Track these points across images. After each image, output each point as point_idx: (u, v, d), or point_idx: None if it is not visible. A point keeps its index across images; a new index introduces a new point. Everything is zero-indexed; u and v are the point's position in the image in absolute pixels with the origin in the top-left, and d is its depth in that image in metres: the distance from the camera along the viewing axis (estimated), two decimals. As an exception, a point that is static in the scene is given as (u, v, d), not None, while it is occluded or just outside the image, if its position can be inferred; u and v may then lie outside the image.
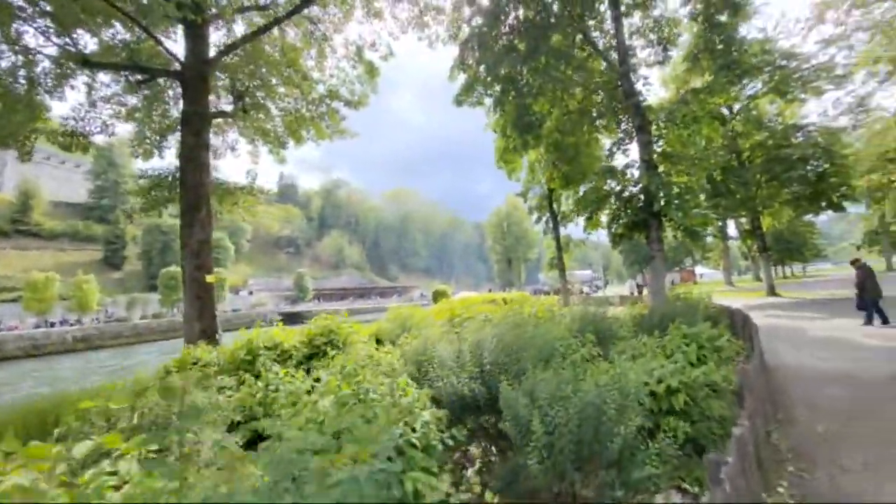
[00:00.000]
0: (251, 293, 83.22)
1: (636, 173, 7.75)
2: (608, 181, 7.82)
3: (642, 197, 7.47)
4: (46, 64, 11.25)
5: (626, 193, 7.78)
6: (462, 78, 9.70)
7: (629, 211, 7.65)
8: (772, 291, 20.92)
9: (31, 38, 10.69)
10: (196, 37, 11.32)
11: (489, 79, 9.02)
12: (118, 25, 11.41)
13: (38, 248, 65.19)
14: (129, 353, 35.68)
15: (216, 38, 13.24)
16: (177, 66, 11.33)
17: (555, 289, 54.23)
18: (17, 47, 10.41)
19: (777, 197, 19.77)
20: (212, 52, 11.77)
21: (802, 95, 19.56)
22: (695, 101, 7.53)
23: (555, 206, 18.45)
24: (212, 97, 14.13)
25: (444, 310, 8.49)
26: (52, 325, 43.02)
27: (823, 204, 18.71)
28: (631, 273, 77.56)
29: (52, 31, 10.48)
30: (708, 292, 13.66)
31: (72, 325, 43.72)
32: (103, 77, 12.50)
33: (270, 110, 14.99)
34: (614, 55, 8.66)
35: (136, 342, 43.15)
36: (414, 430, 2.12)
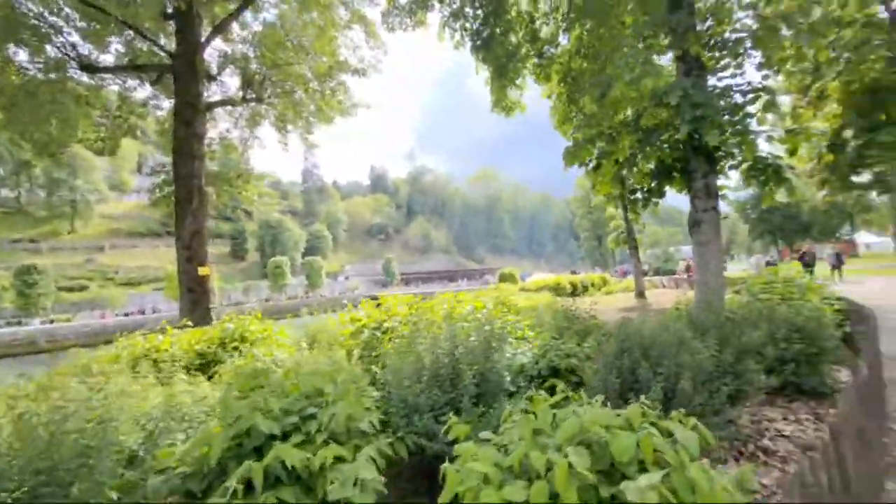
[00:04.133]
0: (347, 278, 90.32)
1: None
2: (613, 105, 4.71)
3: (679, 123, 4.40)
4: (84, 78, 12.09)
5: (648, 120, 4.65)
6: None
7: (650, 148, 4.57)
8: (976, 267, 13.94)
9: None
10: (184, 27, 10.93)
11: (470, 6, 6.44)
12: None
13: (184, 245, 78.96)
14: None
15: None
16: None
17: (654, 269, 46.73)
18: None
19: None
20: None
21: None
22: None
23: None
24: (218, 88, 14.01)
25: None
26: (188, 309, 51.69)
27: None
28: (763, 247, 63.75)
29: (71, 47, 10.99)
30: (822, 279, 9.46)
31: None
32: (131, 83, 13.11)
33: (290, 93, 14.33)
34: None
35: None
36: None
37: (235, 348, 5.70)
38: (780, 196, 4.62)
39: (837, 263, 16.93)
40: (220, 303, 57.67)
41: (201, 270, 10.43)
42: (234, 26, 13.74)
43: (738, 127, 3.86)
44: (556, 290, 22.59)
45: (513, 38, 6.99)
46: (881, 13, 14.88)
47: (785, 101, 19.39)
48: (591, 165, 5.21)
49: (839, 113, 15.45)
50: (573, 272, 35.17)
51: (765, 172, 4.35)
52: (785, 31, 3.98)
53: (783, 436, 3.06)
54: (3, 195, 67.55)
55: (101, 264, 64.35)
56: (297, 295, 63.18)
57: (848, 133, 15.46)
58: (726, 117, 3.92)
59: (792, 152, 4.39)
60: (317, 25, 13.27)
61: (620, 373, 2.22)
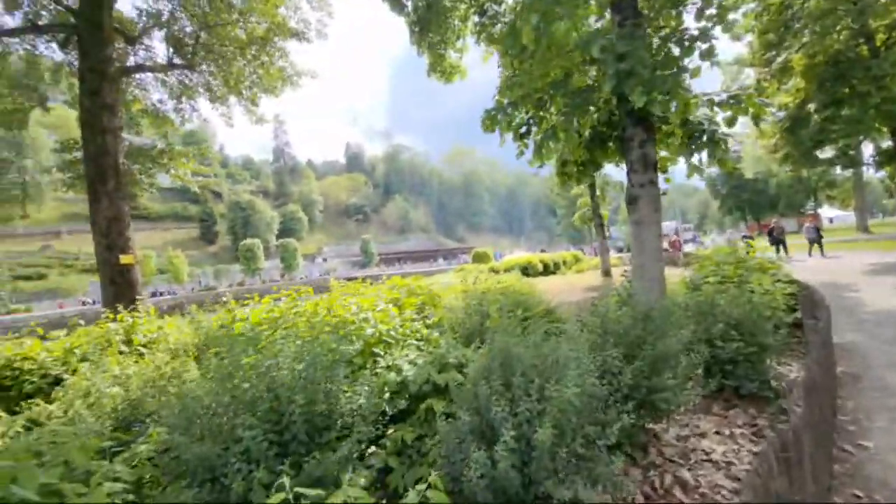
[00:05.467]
0: (325, 260, 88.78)
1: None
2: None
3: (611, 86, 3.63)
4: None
5: (578, 80, 3.92)
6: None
7: (579, 112, 3.89)
8: (927, 239, 14.22)
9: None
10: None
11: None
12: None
13: (148, 229, 75.91)
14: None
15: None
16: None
17: (628, 245, 47.05)
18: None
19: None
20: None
21: None
22: None
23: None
24: (145, 53, 12.51)
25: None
26: (153, 294, 49.68)
27: None
28: (732, 222, 65.39)
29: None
30: (782, 256, 9.11)
31: (167, 295, 50.06)
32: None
33: (226, 59, 12.95)
34: None
35: (217, 309, 48.45)
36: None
37: (121, 353, 4.95)
38: (721, 167, 4.06)
39: (817, 237, 16.33)
40: (193, 288, 55.64)
41: (123, 259, 9.41)
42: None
43: (669, 83, 3.20)
44: (527, 269, 22.28)
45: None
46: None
47: (750, 74, 19.03)
48: (522, 132, 4.52)
49: (802, 87, 15.19)
50: (542, 251, 35.03)
51: (699, 141, 3.76)
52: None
53: (710, 460, 2.57)
54: (-61, 178, 62.43)
55: (60, 251, 60.96)
56: (268, 279, 61.59)
57: (811, 107, 15.26)
58: (657, 72, 3.25)
59: (730, 122, 3.82)
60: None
61: (476, 409, 1.63)
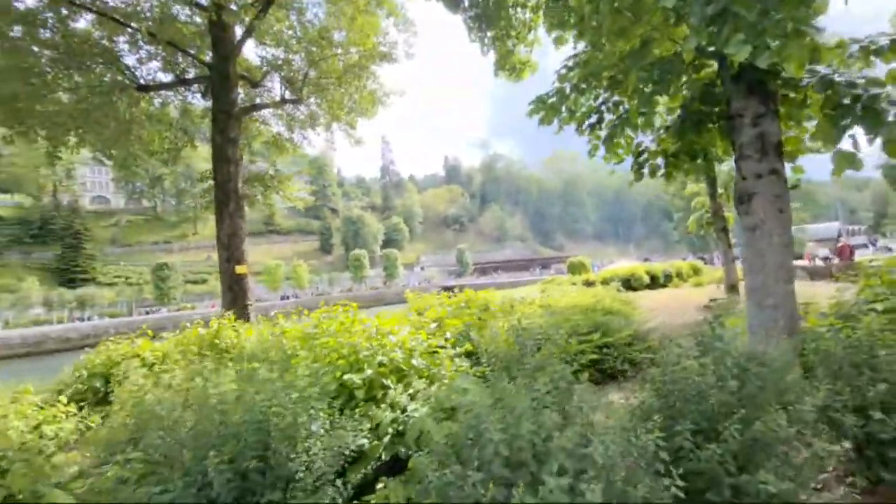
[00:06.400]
0: (423, 269, 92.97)
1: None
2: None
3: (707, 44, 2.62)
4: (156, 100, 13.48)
5: (661, 46, 2.89)
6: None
7: (660, 87, 2.84)
8: None
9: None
10: (216, 38, 11.25)
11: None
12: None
13: (280, 242, 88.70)
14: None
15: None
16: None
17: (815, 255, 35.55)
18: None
19: None
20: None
21: None
22: None
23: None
24: (268, 93, 14.40)
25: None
26: (282, 298, 57.74)
27: None
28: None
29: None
30: None
31: (292, 298, 57.61)
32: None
33: (326, 89, 14.32)
34: None
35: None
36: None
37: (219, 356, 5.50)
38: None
39: None
40: (311, 293, 63.70)
41: (238, 269, 10.83)
42: (281, 30, 14.06)
43: (786, 22, 2.15)
44: (630, 282, 19.83)
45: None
46: None
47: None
48: (590, 121, 3.70)
49: None
50: (646, 260, 31.07)
51: (849, 109, 2.50)
52: None
53: None
54: (144, 205, 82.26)
55: (216, 261, 74.94)
56: (371, 286, 66.82)
57: None
58: (768, 14, 2.22)
59: (894, 78, 2.48)
60: (347, 16, 12.95)
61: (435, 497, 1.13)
